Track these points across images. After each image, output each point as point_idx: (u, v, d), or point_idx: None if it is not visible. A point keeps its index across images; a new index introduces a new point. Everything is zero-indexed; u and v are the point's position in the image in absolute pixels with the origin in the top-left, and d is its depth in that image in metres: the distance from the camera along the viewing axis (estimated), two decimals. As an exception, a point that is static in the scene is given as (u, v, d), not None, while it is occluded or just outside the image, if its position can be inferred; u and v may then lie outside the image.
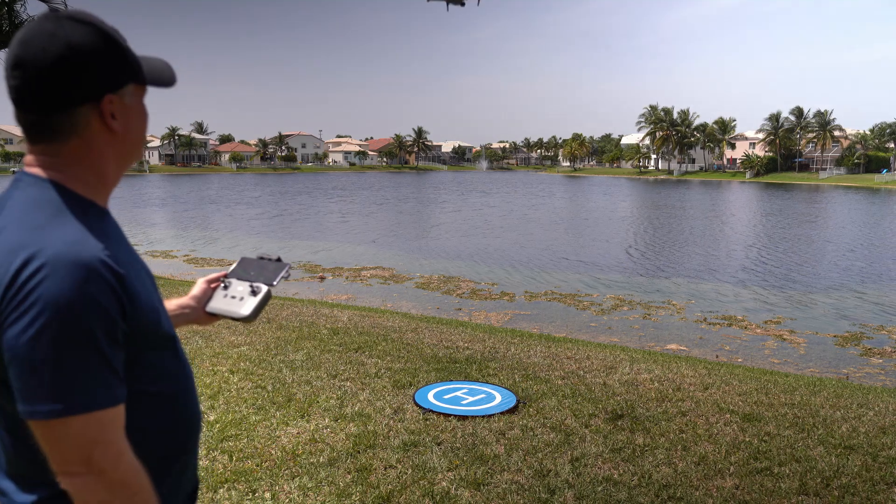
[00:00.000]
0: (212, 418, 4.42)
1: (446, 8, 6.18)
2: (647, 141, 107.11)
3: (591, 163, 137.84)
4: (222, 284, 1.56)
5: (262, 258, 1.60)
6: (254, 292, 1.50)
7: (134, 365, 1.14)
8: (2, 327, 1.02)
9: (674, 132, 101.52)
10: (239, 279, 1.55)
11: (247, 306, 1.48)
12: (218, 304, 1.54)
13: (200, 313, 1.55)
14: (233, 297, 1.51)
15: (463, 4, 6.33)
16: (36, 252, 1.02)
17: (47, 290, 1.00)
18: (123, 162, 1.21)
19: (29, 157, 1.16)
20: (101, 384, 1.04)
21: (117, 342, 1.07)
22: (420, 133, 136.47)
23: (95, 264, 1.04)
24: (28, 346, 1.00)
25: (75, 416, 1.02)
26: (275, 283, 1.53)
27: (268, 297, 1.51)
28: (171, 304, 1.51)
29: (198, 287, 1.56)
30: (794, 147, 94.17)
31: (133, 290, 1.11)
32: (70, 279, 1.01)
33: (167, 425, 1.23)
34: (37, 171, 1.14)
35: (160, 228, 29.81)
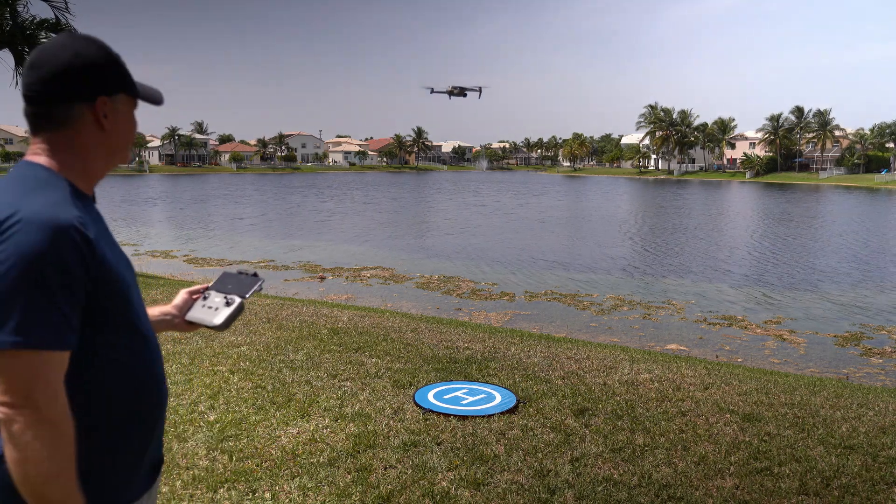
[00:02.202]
0: (212, 418, 4.42)
1: (448, 97, 6.24)
2: (646, 141, 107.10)
3: (591, 163, 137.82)
4: (202, 296, 1.74)
5: (240, 273, 1.77)
6: (228, 304, 1.68)
7: (104, 327, 1.30)
8: None
9: (674, 132, 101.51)
10: (217, 291, 1.73)
11: (220, 316, 1.66)
12: (196, 313, 1.73)
13: (180, 321, 1.73)
14: (209, 308, 1.69)
15: (465, 95, 6.35)
16: (16, 210, 1.21)
17: (19, 239, 1.18)
18: (110, 159, 1.41)
19: (29, 149, 1.37)
20: (52, 328, 1.18)
21: (75, 296, 1.22)
22: (420, 133, 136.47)
23: (64, 225, 1.21)
24: (3, 278, 1.16)
25: (25, 350, 1.16)
26: (247, 295, 1.70)
27: (241, 308, 1.69)
28: (155, 310, 1.69)
29: (180, 297, 1.75)
30: (793, 147, 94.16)
31: (102, 255, 1.28)
32: (40, 233, 1.19)
33: (130, 394, 1.36)
34: (32, 157, 1.35)
35: (160, 228, 29.81)
